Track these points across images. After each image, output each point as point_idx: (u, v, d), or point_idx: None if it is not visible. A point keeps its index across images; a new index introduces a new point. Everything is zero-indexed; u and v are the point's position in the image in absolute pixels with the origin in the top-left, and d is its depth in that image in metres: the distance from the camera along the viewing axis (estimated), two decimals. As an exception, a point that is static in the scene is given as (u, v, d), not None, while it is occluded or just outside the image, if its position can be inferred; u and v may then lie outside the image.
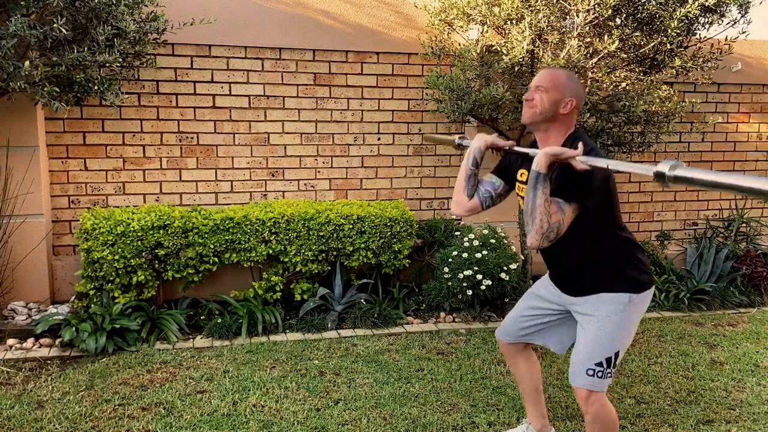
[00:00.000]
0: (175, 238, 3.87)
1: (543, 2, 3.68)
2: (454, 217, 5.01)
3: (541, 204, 1.93)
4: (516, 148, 2.26)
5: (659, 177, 1.60)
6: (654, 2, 3.72)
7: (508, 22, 3.88)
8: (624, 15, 3.80)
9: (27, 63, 3.15)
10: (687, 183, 1.55)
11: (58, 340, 3.60)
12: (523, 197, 2.11)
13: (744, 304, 4.79)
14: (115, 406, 2.91)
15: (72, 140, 4.22)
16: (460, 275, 4.07)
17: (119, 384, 3.14)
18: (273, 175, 4.62)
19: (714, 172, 1.50)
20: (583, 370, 2.11)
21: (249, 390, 3.10)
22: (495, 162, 2.48)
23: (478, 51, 4.06)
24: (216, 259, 4.02)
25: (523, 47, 3.72)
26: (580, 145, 1.96)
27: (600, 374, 2.09)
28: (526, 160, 2.18)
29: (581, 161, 1.91)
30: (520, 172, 2.31)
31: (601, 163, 1.89)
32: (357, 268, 4.41)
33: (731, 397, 3.14)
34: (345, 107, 4.69)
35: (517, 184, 2.35)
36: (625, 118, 4.05)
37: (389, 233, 4.27)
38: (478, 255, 4.08)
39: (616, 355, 2.12)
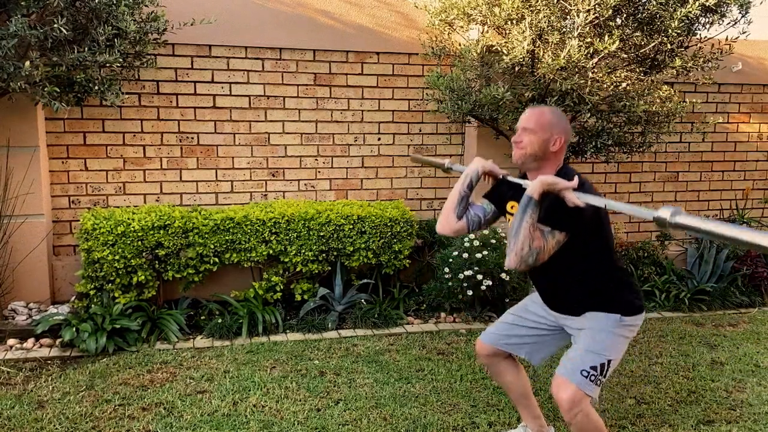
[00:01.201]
0: (176, 238, 3.87)
1: (543, 2, 3.68)
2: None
3: (527, 227, 2.00)
4: (510, 178, 2.31)
5: (660, 222, 1.68)
6: (654, 2, 3.72)
7: (509, 22, 3.87)
8: (624, 15, 3.80)
9: (27, 63, 3.15)
10: (686, 229, 1.64)
11: (58, 340, 3.60)
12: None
13: (744, 305, 4.78)
14: (115, 406, 2.91)
15: (72, 140, 4.22)
16: (461, 275, 4.06)
17: (119, 384, 3.14)
18: (273, 176, 4.61)
19: (713, 222, 1.58)
20: (578, 371, 2.14)
21: (249, 390, 3.10)
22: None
23: (478, 51, 4.06)
24: (216, 260, 4.02)
25: (523, 47, 3.72)
26: (576, 178, 2.03)
27: (592, 378, 2.12)
28: (518, 192, 2.22)
29: (576, 197, 1.97)
30: (510, 204, 2.36)
31: (597, 202, 1.94)
32: (357, 269, 4.41)
33: (732, 398, 3.13)
34: (345, 107, 4.69)
35: (507, 215, 2.39)
36: (626, 118, 4.05)
37: (389, 233, 4.27)
38: (479, 255, 4.08)
39: (609, 362, 2.16)
